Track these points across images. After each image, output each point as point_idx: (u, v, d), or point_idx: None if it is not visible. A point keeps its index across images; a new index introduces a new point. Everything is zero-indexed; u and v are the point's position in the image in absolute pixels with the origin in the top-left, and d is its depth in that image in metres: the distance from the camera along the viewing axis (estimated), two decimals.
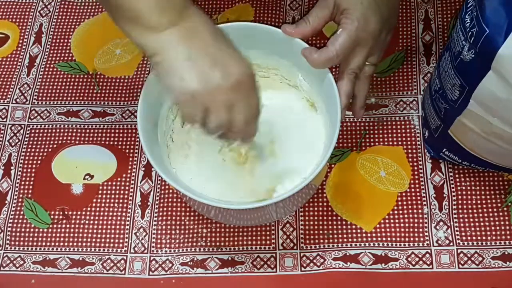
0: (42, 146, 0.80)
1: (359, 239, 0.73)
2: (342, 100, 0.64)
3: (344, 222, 0.74)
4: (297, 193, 0.62)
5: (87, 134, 0.80)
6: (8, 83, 0.85)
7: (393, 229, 0.73)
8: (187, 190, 0.63)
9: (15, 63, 0.86)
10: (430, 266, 0.71)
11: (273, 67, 0.72)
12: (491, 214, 0.73)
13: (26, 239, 0.75)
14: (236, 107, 0.57)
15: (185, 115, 0.58)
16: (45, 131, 0.81)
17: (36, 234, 0.75)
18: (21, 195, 0.78)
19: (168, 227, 0.75)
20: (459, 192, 0.74)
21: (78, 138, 0.80)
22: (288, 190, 0.62)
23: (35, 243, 0.75)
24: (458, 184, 0.74)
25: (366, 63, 0.67)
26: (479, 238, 0.72)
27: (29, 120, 0.82)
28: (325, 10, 0.65)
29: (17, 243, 0.75)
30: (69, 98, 0.83)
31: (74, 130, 0.81)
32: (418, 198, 0.74)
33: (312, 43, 0.81)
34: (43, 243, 0.75)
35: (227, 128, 0.59)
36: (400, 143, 0.77)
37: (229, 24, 0.69)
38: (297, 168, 0.69)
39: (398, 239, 0.72)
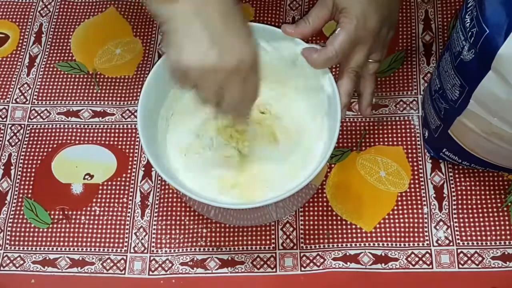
0: (42, 146, 0.80)
1: (359, 239, 0.73)
2: (342, 99, 0.64)
3: (344, 222, 0.74)
4: (297, 193, 0.62)
5: (87, 134, 0.80)
6: (8, 83, 0.85)
7: (393, 229, 0.73)
8: (187, 190, 0.63)
9: (15, 63, 0.86)
10: (430, 266, 0.71)
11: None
12: (491, 214, 0.73)
13: (26, 239, 0.75)
14: (228, 89, 0.57)
15: (174, 81, 0.59)
16: (45, 131, 0.81)
17: (36, 234, 0.75)
18: (21, 195, 0.78)
19: (168, 227, 0.75)
20: (459, 192, 0.74)
21: (78, 138, 0.80)
22: (288, 190, 0.62)
23: (35, 243, 0.75)
24: (458, 184, 0.74)
25: (370, 60, 0.67)
26: (479, 238, 0.72)
27: (29, 120, 0.82)
28: (325, 9, 0.65)
29: (17, 243, 0.75)
30: (69, 98, 0.83)
31: (74, 130, 0.81)
32: (418, 198, 0.74)
33: (312, 43, 0.81)
34: (43, 243, 0.75)
35: (216, 105, 0.60)
36: (400, 143, 0.77)
37: None
38: (297, 168, 0.69)
39: (398, 239, 0.72)
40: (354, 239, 0.73)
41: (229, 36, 0.56)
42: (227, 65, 0.55)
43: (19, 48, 0.87)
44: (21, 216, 0.76)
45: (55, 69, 0.85)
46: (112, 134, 0.80)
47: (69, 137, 0.80)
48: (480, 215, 0.73)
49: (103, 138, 0.80)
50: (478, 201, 0.73)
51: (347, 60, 0.65)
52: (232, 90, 0.58)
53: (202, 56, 0.55)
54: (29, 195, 0.77)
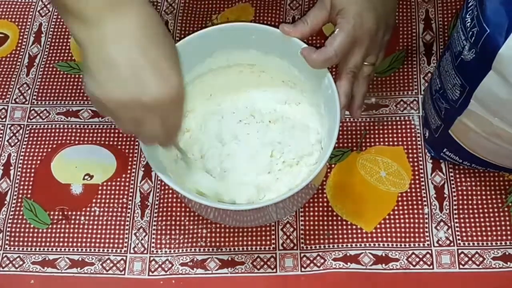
0: (42, 146, 0.80)
1: (360, 240, 0.73)
2: (341, 100, 0.64)
3: (344, 222, 0.74)
4: (297, 193, 0.62)
5: (86, 134, 0.80)
6: (8, 83, 0.84)
7: (393, 230, 0.73)
8: (186, 192, 0.62)
9: (14, 62, 0.86)
10: (431, 267, 0.71)
11: (271, 67, 0.72)
12: (491, 215, 0.72)
13: (26, 239, 0.75)
14: (144, 124, 0.54)
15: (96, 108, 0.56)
16: (45, 131, 0.81)
17: (35, 234, 0.75)
18: (20, 195, 0.77)
19: (168, 227, 0.75)
20: (460, 192, 0.74)
21: (77, 138, 0.80)
22: (288, 190, 0.61)
23: (34, 244, 0.75)
24: (459, 184, 0.74)
25: (365, 63, 0.67)
26: (479, 238, 0.72)
27: (29, 120, 0.82)
28: (323, 10, 0.65)
29: (16, 243, 0.75)
30: (68, 98, 0.83)
31: (74, 130, 0.81)
32: (419, 198, 0.74)
33: (312, 43, 0.81)
34: (43, 244, 0.75)
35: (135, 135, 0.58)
36: (400, 143, 0.77)
37: (227, 24, 0.68)
38: (295, 168, 0.69)
39: (398, 239, 0.72)
40: (355, 240, 0.73)
41: (148, 71, 0.51)
42: (144, 101, 0.51)
43: (18, 48, 0.87)
44: (20, 217, 0.76)
45: (54, 69, 0.85)
46: (112, 134, 0.80)
47: (68, 137, 0.80)
48: (481, 215, 0.73)
49: (103, 138, 0.80)
50: (479, 201, 0.73)
51: (345, 60, 0.65)
52: (149, 125, 0.54)
53: (117, 90, 0.51)
54: (29, 196, 0.77)
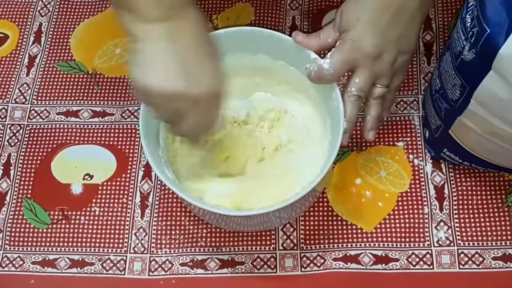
0: (42, 146, 0.80)
1: (360, 240, 0.73)
2: (343, 124, 0.64)
3: (344, 222, 0.74)
4: (299, 201, 0.61)
5: (86, 134, 0.80)
6: (8, 82, 0.84)
7: (393, 230, 0.73)
8: (188, 196, 0.62)
9: (14, 62, 0.86)
10: (431, 267, 0.71)
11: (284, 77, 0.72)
12: (491, 215, 0.72)
13: (26, 239, 0.75)
14: (185, 117, 0.58)
15: (135, 96, 0.59)
16: (45, 131, 0.81)
17: (35, 234, 0.75)
18: (20, 195, 0.77)
19: (168, 227, 0.75)
20: (460, 192, 0.74)
21: (77, 138, 0.80)
22: (288, 198, 0.61)
23: (34, 243, 0.75)
24: (459, 184, 0.74)
25: (378, 86, 0.66)
26: (479, 238, 0.72)
27: (29, 120, 0.82)
28: (335, 29, 0.66)
29: (16, 243, 0.75)
30: (68, 98, 0.83)
31: (74, 130, 0.81)
32: (419, 198, 0.74)
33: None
34: (43, 243, 0.75)
35: (170, 125, 0.61)
36: (400, 143, 0.77)
37: (238, 28, 0.68)
38: (294, 178, 0.69)
39: (398, 239, 0.72)
40: (355, 240, 0.73)
41: (198, 64, 0.56)
42: (191, 95, 0.55)
43: (18, 48, 0.87)
44: (20, 217, 0.76)
45: (54, 69, 0.85)
46: (112, 134, 0.80)
47: (68, 137, 0.80)
48: (481, 215, 0.73)
49: (103, 138, 0.80)
50: (479, 201, 0.73)
51: (347, 84, 0.65)
52: (189, 118, 0.58)
53: (168, 82, 0.55)
54: (29, 195, 0.77)
